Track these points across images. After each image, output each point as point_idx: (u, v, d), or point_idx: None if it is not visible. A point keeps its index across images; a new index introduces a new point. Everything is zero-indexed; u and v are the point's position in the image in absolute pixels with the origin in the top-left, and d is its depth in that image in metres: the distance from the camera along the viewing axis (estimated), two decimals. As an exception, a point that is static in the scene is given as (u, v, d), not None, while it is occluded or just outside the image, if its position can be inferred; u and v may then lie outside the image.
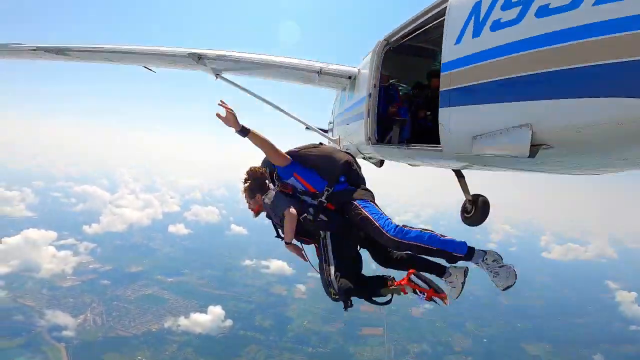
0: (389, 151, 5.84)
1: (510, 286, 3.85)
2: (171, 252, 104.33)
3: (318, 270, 4.36)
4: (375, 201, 4.40)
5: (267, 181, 4.72)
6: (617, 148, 2.67)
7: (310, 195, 4.45)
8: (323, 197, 4.36)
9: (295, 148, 4.74)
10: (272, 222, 4.70)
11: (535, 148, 2.77)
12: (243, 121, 4.39)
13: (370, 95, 5.62)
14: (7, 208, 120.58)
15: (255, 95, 7.80)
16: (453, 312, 75.85)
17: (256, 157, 4.91)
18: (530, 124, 2.72)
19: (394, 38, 5.35)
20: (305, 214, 4.31)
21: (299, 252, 4.51)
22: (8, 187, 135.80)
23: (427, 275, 4.12)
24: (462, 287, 4.01)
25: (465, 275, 4.03)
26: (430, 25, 4.45)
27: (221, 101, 4.32)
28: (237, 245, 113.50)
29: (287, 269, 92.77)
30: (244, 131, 4.34)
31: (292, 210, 4.27)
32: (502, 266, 3.85)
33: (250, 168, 4.74)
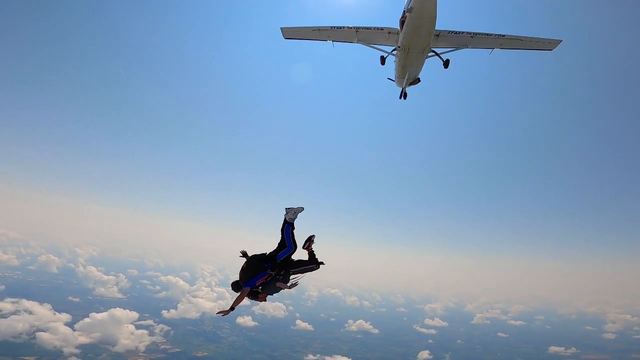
0: None
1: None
2: (237, 341, 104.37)
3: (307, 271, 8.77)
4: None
5: (257, 289, 8.58)
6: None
7: (267, 277, 8.46)
8: (272, 272, 8.45)
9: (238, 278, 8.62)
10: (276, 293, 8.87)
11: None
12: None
13: None
14: (101, 289, 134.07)
15: (377, 49, 17.61)
16: None
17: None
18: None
19: None
20: (278, 278, 8.51)
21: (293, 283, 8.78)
22: (106, 272, 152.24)
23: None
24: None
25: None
26: None
27: (219, 313, 8.46)
28: (302, 339, 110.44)
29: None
30: (232, 309, 8.30)
31: (278, 284, 8.52)
32: None
33: (250, 292, 8.40)
